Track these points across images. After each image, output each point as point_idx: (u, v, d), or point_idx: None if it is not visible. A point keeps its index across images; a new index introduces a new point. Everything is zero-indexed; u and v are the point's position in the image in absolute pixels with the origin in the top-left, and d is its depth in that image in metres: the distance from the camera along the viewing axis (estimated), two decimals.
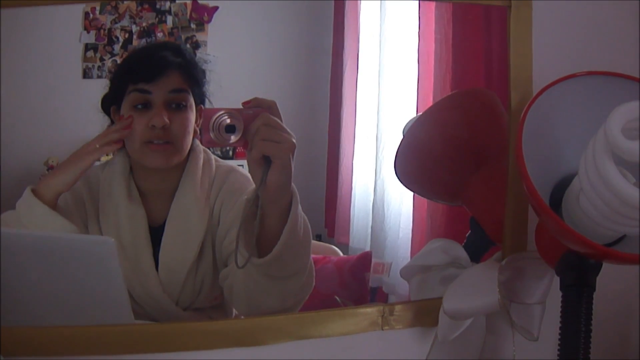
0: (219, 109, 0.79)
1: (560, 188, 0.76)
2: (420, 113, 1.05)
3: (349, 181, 1.22)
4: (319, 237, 1.15)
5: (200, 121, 0.93)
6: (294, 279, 0.87)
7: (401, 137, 1.01)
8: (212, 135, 0.78)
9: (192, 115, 0.94)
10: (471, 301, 0.85)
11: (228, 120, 0.78)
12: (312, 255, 0.89)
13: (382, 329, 0.91)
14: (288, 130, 0.79)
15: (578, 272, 0.75)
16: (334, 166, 1.20)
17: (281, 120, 0.79)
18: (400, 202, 1.19)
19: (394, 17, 1.18)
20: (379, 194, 1.20)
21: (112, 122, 0.95)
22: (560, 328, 0.77)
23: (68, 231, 0.86)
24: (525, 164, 0.72)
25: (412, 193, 1.18)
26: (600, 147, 0.65)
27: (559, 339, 0.77)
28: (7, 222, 0.86)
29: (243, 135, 0.79)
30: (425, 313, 0.92)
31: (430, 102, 1.13)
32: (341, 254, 1.15)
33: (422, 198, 1.18)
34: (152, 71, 0.91)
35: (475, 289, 0.86)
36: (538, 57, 0.91)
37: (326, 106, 1.19)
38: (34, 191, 0.86)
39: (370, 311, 0.90)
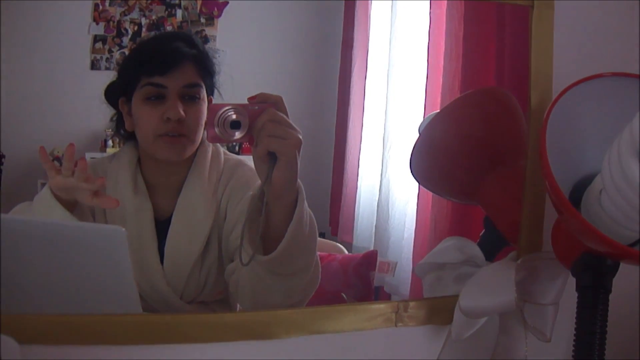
0: (224, 105, 0.78)
1: (579, 188, 0.76)
2: (437, 111, 1.05)
3: (354, 180, 1.21)
4: (322, 235, 1.15)
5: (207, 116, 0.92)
6: (299, 276, 0.86)
7: (417, 135, 1.00)
8: (217, 130, 0.78)
9: (205, 107, 0.93)
10: (487, 300, 0.85)
11: (233, 116, 0.78)
12: (318, 253, 0.88)
13: (396, 326, 0.90)
14: (294, 126, 0.78)
15: (595, 273, 0.75)
16: (340, 164, 1.20)
17: (287, 116, 0.79)
18: (406, 203, 1.19)
19: (405, 14, 1.18)
20: (384, 193, 1.20)
21: (118, 114, 0.94)
22: (576, 329, 0.77)
23: None
24: (549, 162, 0.72)
25: (416, 193, 1.17)
26: (626, 147, 0.65)
27: (574, 340, 0.77)
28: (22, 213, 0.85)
29: (249, 131, 0.78)
30: (439, 311, 0.92)
31: (438, 102, 1.13)
32: (346, 252, 1.15)
33: (427, 198, 1.17)
34: (166, 64, 0.90)
35: (492, 287, 0.86)
36: (558, 57, 0.91)
37: (334, 103, 1.18)
38: (52, 189, 0.84)
39: (384, 307, 0.90)
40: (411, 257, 1.18)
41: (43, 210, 0.84)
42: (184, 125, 0.91)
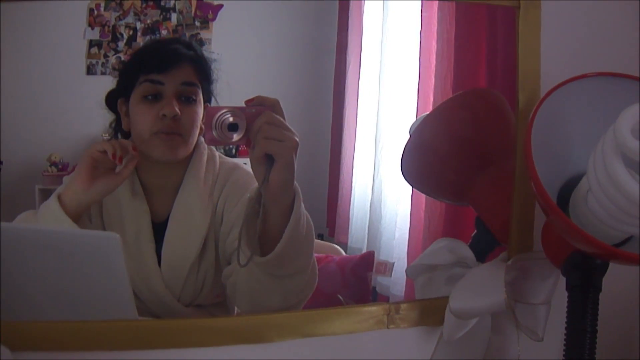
0: (221, 107, 0.78)
1: (567, 188, 0.76)
2: (427, 112, 1.05)
3: (349, 181, 1.22)
4: (320, 237, 1.15)
5: (204, 120, 0.92)
6: (296, 277, 0.86)
7: (407, 136, 1.00)
8: (214, 133, 0.78)
9: (201, 110, 0.94)
10: (478, 300, 0.85)
11: (231, 119, 0.78)
12: (315, 254, 0.88)
13: (388, 328, 0.90)
14: (291, 128, 0.78)
15: (584, 272, 0.75)
16: (336, 165, 1.20)
17: (284, 119, 0.79)
18: (397, 203, 1.19)
19: (396, 16, 1.19)
20: (377, 194, 1.20)
21: (118, 117, 0.94)
22: (566, 328, 0.77)
23: None
24: (534, 163, 0.72)
25: (409, 194, 1.18)
26: (609, 147, 0.65)
27: (565, 340, 0.77)
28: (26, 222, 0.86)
29: (246, 133, 0.78)
30: (430, 312, 0.91)
31: (430, 103, 1.14)
32: (344, 253, 1.15)
33: (420, 198, 1.18)
34: (165, 62, 0.91)
35: (482, 288, 0.85)
36: (545, 58, 0.91)
37: (329, 105, 1.19)
38: (60, 201, 0.85)
39: (375, 310, 0.90)
40: (405, 257, 1.19)
41: (49, 221, 0.84)
42: (179, 124, 0.91)
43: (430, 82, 1.14)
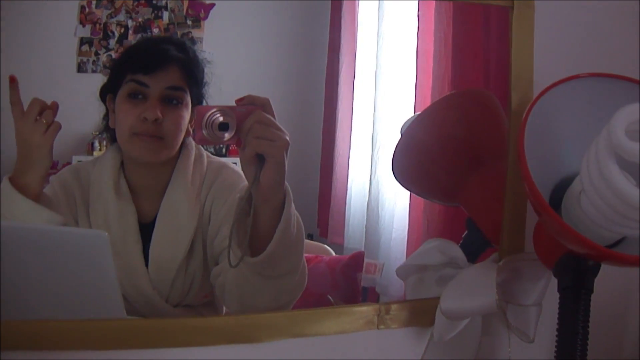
0: (212, 107, 0.78)
1: (560, 189, 0.76)
2: (418, 112, 1.05)
3: (344, 181, 1.22)
4: (310, 237, 1.15)
5: (194, 120, 0.92)
6: (286, 278, 0.86)
7: (399, 136, 1.00)
8: (205, 133, 0.78)
9: (187, 114, 0.93)
10: (468, 301, 0.85)
11: (221, 118, 0.78)
12: (305, 255, 0.88)
13: (378, 328, 0.90)
14: (282, 128, 0.78)
15: (576, 274, 0.75)
16: (327, 165, 1.20)
17: (275, 118, 0.79)
18: (395, 203, 1.19)
19: (392, 16, 1.18)
20: (374, 194, 1.20)
21: (107, 111, 0.94)
22: (558, 330, 0.77)
23: (55, 223, 0.84)
24: (527, 163, 0.72)
25: (407, 194, 1.18)
26: (603, 147, 0.65)
27: (556, 341, 0.77)
28: None
29: (236, 133, 0.78)
30: (421, 313, 0.91)
31: (428, 103, 1.13)
32: (333, 253, 1.15)
33: (419, 198, 1.17)
34: (151, 63, 0.90)
35: (472, 289, 0.85)
36: (538, 58, 0.91)
37: (321, 104, 1.18)
38: (12, 183, 0.83)
39: (366, 310, 0.90)
40: (405, 257, 1.18)
41: (5, 204, 0.83)
42: (161, 127, 0.90)
43: (428, 82, 1.14)
